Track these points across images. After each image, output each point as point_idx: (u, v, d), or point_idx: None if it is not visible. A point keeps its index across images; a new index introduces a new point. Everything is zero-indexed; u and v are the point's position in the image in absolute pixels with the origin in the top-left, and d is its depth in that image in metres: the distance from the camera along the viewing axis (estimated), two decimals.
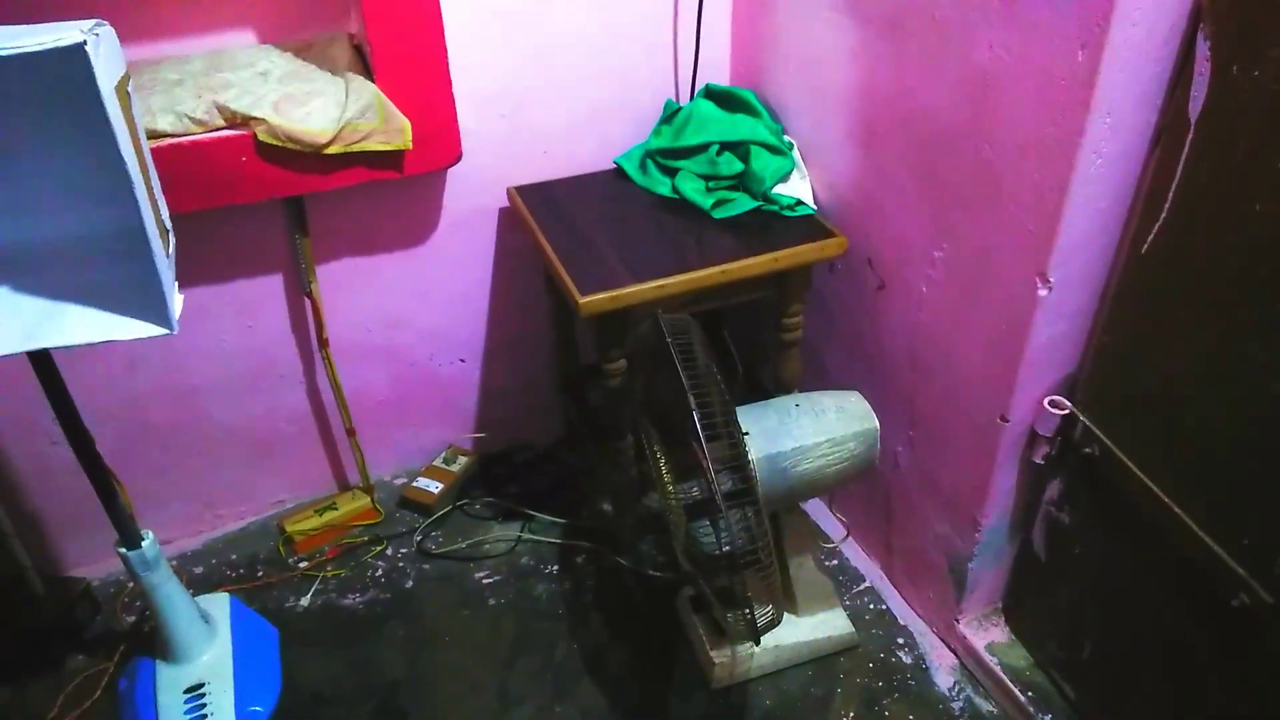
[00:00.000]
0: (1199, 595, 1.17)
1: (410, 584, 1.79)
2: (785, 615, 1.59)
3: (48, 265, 1.06)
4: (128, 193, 0.96)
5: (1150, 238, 1.13)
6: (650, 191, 1.68)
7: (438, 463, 2.01)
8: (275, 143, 1.39)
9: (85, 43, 0.87)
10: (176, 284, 1.08)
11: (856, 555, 1.82)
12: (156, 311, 1.04)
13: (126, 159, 0.94)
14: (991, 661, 1.53)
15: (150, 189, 1.02)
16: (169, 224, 1.09)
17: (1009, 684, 1.49)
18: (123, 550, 1.37)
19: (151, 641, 1.52)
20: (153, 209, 1.01)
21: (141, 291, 1.04)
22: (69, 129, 0.98)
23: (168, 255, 1.05)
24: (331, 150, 1.43)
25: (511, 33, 1.60)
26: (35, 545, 1.74)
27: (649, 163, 1.71)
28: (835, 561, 1.81)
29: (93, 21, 0.92)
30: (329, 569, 1.82)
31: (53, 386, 1.22)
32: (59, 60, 0.87)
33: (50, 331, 1.03)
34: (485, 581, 1.79)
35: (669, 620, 1.68)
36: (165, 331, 1.04)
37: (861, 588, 1.75)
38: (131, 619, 1.72)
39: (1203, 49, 1.00)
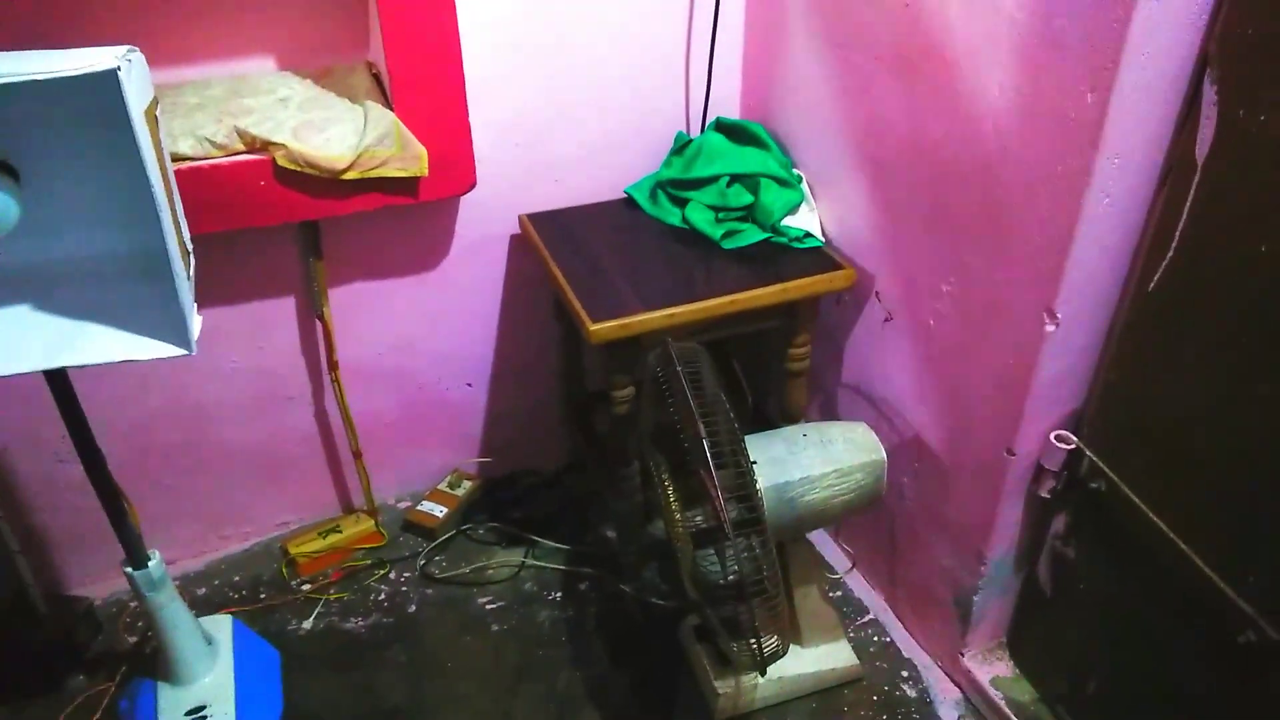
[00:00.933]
0: (1205, 631, 1.17)
1: (413, 608, 1.79)
2: (790, 646, 1.59)
3: (70, 284, 1.07)
4: (153, 215, 0.98)
5: (1157, 276, 1.14)
6: (660, 221, 1.70)
7: (442, 486, 2.01)
8: (294, 168, 1.41)
9: (119, 69, 0.89)
10: (195, 305, 1.09)
11: (861, 587, 1.82)
12: (176, 332, 1.05)
13: (154, 183, 0.96)
14: (996, 696, 1.52)
15: (174, 211, 1.03)
16: (190, 245, 1.11)
17: (1013, 718, 1.49)
18: (129, 570, 1.37)
19: (153, 662, 1.51)
20: (175, 231, 1.03)
21: (162, 312, 1.05)
22: (98, 151, 1.00)
23: (188, 277, 1.07)
24: (349, 176, 1.45)
25: (527, 64, 1.63)
26: (38, 563, 1.74)
27: (659, 193, 1.73)
28: (840, 593, 1.81)
29: (125, 48, 0.94)
30: (332, 592, 1.82)
31: (67, 404, 1.22)
32: (92, 85, 0.89)
33: (71, 350, 1.04)
34: (488, 607, 1.78)
35: (672, 649, 1.68)
36: (184, 352, 1.05)
37: (866, 620, 1.75)
38: (133, 639, 1.72)
39: (1209, 94, 1.02)
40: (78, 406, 1.23)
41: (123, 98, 0.90)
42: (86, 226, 1.08)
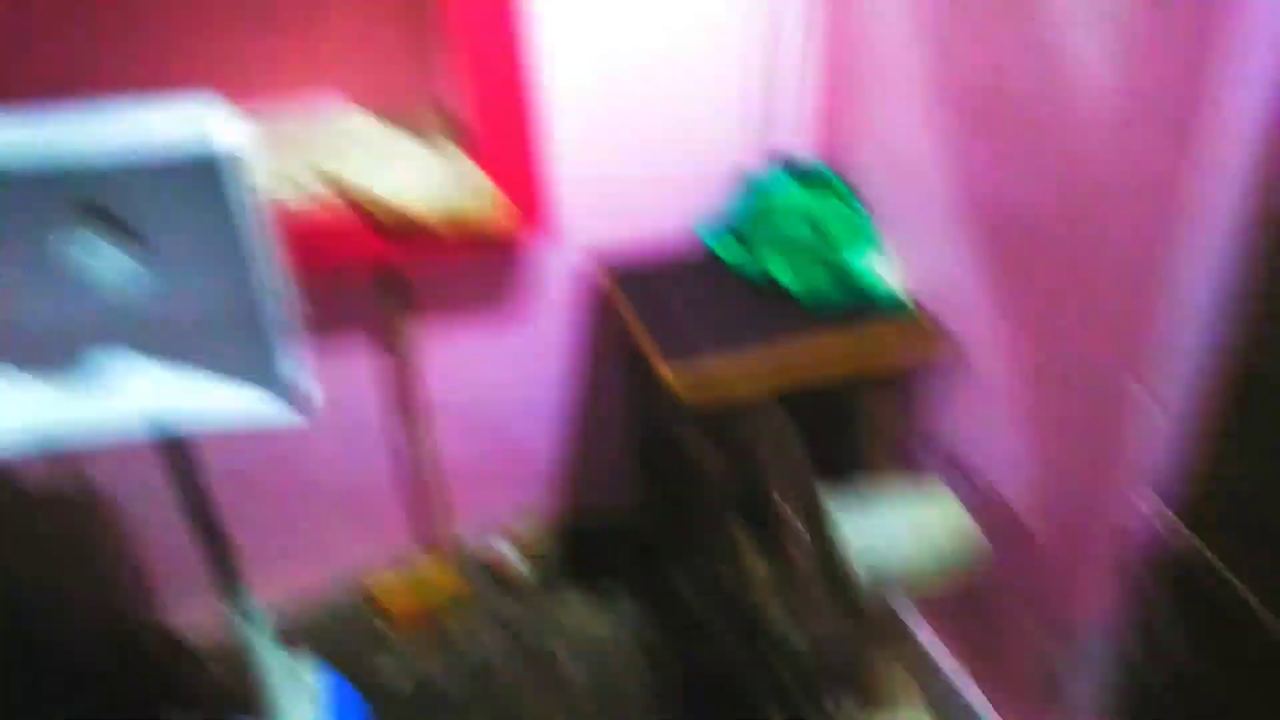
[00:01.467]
0: None
1: (494, 660, 1.80)
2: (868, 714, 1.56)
3: (177, 342, 1.08)
4: (257, 272, 0.99)
5: (1259, 344, 1.10)
6: (740, 270, 1.70)
7: (521, 530, 2.03)
8: (378, 215, 1.45)
9: (237, 154, 0.91)
10: (306, 368, 1.10)
11: (940, 652, 1.77)
12: (291, 396, 1.07)
13: (259, 245, 0.98)
14: None
15: (274, 266, 1.03)
16: (292, 298, 1.11)
17: None
18: (227, 608, 1.41)
19: (247, 702, 1.56)
20: (275, 286, 1.03)
21: (272, 373, 1.07)
22: (198, 203, 0.96)
23: (293, 332, 1.07)
24: (431, 224, 1.48)
25: (601, 106, 1.66)
26: (137, 597, 1.81)
27: (737, 240, 1.73)
28: (920, 660, 1.76)
29: (221, 110, 0.91)
30: (416, 640, 1.85)
31: (178, 461, 1.27)
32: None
33: (182, 417, 1.07)
34: (569, 663, 1.79)
35: (754, 711, 1.65)
36: (299, 420, 1.08)
37: (945, 687, 1.70)
38: (227, 678, 1.77)
39: None
40: (190, 462, 1.28)
41: (239, 183, 0.94)
42: (189, 280, 1.05)
